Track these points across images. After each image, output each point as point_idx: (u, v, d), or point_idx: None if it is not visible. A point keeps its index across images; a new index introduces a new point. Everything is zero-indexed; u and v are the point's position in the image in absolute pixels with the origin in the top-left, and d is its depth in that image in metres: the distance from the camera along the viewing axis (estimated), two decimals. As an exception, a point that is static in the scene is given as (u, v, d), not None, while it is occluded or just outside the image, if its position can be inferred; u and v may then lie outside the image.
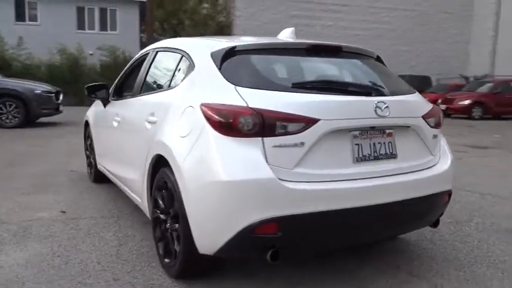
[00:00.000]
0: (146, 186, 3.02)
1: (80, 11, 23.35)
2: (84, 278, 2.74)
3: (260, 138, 2.22)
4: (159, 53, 3.53)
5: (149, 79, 3.54)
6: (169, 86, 3.05)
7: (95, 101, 4.75)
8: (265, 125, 2.22)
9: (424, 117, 2.69)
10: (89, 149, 5.15)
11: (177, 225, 2.56)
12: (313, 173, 2.29)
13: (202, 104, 2.39)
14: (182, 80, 2.84)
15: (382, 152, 2.49)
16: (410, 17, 23.06)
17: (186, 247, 2.48)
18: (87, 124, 5.22)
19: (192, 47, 2.97)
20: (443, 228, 3.67)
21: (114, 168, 4.00)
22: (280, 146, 2.23)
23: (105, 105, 4.32)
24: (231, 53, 2.60)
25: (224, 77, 2.47)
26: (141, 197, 3.22)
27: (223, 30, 22.08)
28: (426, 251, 3.25)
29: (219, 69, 2.54)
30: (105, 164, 4.40)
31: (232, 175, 2.21)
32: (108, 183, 4.92)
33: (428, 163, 2.69)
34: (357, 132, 2.41)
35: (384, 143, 2.50)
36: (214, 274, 2.75)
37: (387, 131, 2.51)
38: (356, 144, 2.41)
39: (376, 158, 2.47)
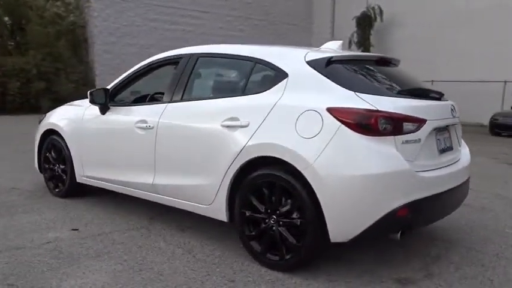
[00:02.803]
0: (227, 189, 3.10)
1: None
2: (199, 285, 2.74)
3: (393, 137, 2.63)
4: (201, 58, 3.55)
5: (197, 85, 3.55)
6: (243, 91, 3.18)
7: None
8: (396, 125, 2.64)
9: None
10: (56, 161, 4.66)
11: (299, 220, 2.77)
12: (424, 163, 2.79)
13: (330, 109, 2.68)
14: (270, 87, 3.02)
15: (448, 145, 3.13)
16: (261, 27, 24.85)
17: (314, 239, 2.73)
18: (48, 133, 4.72)
19: (271, 55, 3.14)
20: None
21: (132, 177, 3.81)
22: (406, 143, 2.68)
23: (104, 112, 4.06)
24: (329, 62, 2.93)
25: (338, 84, 2.79)
26: (207, 202, 3.25)
27: (76, 31, 20.56)
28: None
29: (326, 77, 2.84)
30: (104, 175, 4.12)
31: (378, 168, 2.57)
32: (84, 197, 4.59)
33: (460, 153, 3.41)
34: (437, 130, 2.98)
35: (447, 138, 3.13)
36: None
37: (448, 128, 3.15)
38: (437, 139, 2.98)
39: (447, 150, 3.10)
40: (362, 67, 3.10)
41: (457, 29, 18.03)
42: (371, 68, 3.15)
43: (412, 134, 2.71)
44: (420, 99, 2.97)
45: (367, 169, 2.57)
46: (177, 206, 3.56)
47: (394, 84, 3.04)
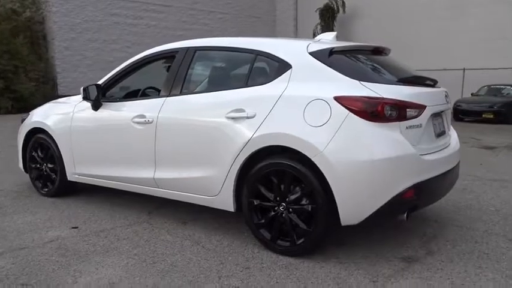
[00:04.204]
0: (234, 179, 3.15)
1: None
2: (215, 274, 2.79)
3: (398, 122, 2.77)
4: (198, 52, 3.58)
5: (197, 78, 3.57)
6: (246, 83, 3.22)
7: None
8: (400, 111, 2.77)
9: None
10: (43, 160, 4.56)
11: (310, 206, 2.87)
12: (425, 147, 2.95)
13: (338, 97, 2.78)
14: (274, 78, 3.09)
15: (442, 129, 3.30)
16: (224, 20, 24.77)
17: (325, 224, 2.84)
18: (33, 132, 4.61)
19: (272, 47, 3.20)
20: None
21: (131, 172, 3.79)
22: (410, 128, 2.82)
23: (96, 108, 4.01)
24: (332, 53, 3.03)
25: (342, 73, 2.90)
26: (213, 193, 3.29)
27: (34, 27, 19.83)
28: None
29: (330, 67, 2.94)
30: (99, 172, 4.06)
31: (386, 153, 2.70)
32: (73, 196, 4.53)
33: (451, 137, 3.58)
34: (433, 115, 3.14)
35: (440, 122, 3.30)
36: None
37: (441, 113, 3.32)
38: (433, 124, 3.15)
39: (441, 134, 3.27)
40: (361, 57, 3.22)
41: (418, 20, 18.68)
42: (368, 57, 3.28)
43: (414, 119, 2.85)
44: (418, 86, 3.12)
45: (376, 154, 2.70)
46: (180, 199, 3.59)
47: (392, 73, 3.17)
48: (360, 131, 2.73)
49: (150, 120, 3.59)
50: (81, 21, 20.12)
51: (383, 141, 2.73)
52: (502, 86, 15.15)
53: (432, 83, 3.31)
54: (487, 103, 13.93)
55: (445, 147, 3.28)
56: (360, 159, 2.70)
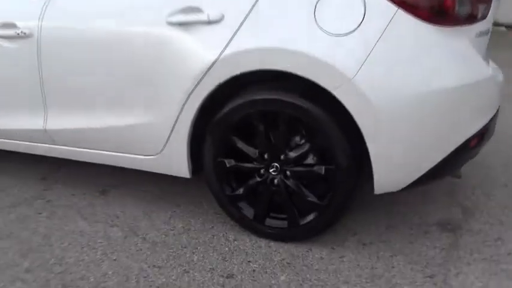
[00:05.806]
0: (187, 129, 1.92)
1: None
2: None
3: (469, 26, 1.69)
4: None
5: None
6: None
7: None
8: (473, 8, 1.69)
9: None
10: None
11: (323, 168, 1.77)
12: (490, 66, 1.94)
13: (376, -18, 1.59)
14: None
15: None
16: None
17: (348, 193, 1.78)
18: None
19: None
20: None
21: (4, 121, 2.37)
22: (479, 36, 1.77)
23: None
24: None
25: None
26: (152, 151, 2.05)
27: None
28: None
29: None
30: None
31: (460, 78, 1.63)
32: None
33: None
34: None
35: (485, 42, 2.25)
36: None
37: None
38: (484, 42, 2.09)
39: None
40: None
41: None
42: None
43: (483, 22, 1.79)
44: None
45: (445, 80, 1.61)
46: (94, 161, 2.27)
47: None
48: (417, 42, 1.61)
49: (26, 31, 2.13)
50: None
51: (453, 57, 1.65)
52: None
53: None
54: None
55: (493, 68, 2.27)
56: (416, 91, 1.60)
